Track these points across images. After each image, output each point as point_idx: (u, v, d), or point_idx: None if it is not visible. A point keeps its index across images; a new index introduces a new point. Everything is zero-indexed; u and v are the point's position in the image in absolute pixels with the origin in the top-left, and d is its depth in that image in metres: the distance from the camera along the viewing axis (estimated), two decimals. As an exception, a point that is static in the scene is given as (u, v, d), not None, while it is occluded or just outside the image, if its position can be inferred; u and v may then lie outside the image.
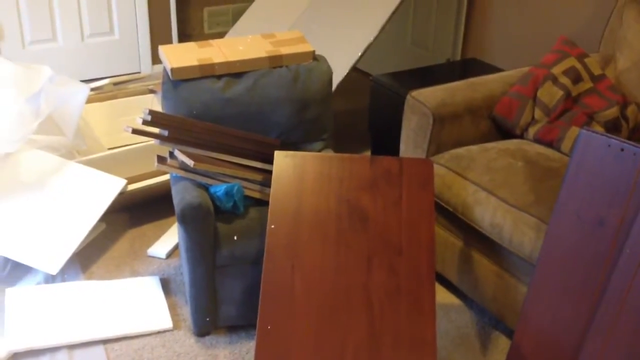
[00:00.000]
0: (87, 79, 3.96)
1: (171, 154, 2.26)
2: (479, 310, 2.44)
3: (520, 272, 2.16)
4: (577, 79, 2.53)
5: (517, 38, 3.56)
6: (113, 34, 4.24)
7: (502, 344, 2.29)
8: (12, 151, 2.58)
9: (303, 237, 1.93)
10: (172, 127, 2.21)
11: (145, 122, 2.20)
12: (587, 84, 2.53)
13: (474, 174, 2.30)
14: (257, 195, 2.26)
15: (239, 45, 2.44)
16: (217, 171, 2.19)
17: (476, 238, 2.30)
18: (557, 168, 2.28)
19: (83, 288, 2.42)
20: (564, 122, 2.47)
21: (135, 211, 2.94)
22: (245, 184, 2.23)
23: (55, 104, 2.76)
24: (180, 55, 2.36)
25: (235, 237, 2.14)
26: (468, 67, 3.56)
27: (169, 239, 2.77)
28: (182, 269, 2.57)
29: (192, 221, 2.07)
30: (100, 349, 2.20)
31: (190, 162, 2.13)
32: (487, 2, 3.69)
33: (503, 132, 2.61)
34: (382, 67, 4.25)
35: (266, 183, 2.25)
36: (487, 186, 2.24)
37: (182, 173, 2.20)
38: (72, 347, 2.20)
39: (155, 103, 3.35)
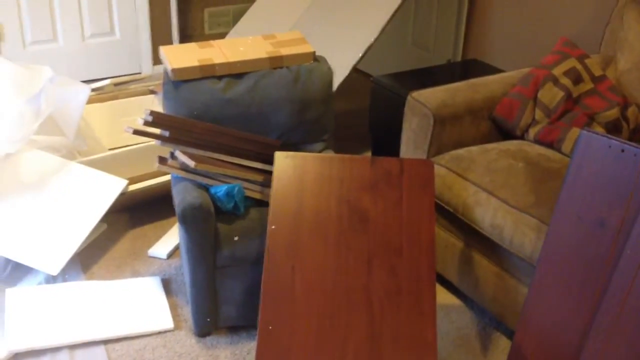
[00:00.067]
0: (87, 79, 3.96)
1: (172, 155, 2.26)
2: (479, 311, 2.44)
3: (520, 272, 2.16)
4: (577, 79, 2.53)
5: (517, 39, 3.56)
6: (114, 35, 4.24)
7: (502, 344, 2.29)
8: (13, 152, 2.58)
9: (303, 238, 1.93)
10: (172, 127, 2.21)
11: (146, 123, 2.20)
12: (587, 85, 2.54)
13: (474, 175, 2.30)
14: (257, 195, 2.26)
15: (239, 46, 2.44)
16: (217, 172, 2.20)
17: (476, 239, 2.30)
18: (558, 169, 2.28)
19: (84, 288, 2.42)
20: (564, 123, 2.47)
21: (136, 212, 2.95)
22: (245, 184, 2.23)
23: (55, 105, 2.77)
24: (181, 55, 2.36)
25: (235, 238, 2.14)
26: (469, 68, 3.56)
27: (169, 239, 2.77)
28: (182, 269, 2.57)
29: (193, 222, 2.07)
30: (101, 349, 2.20)
31: (191, 163, 2.13)
32: (487, 3, 3.69)
33: (503, 133, 2.61)
34: (383, 67, 4.25)
35: (267, 184, 2.25)
36: (487, 187, 2.24)
37: (182, 174, 2.21)
38: (73, 347, 2.20)
39: (156, 104, 3.35)
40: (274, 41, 2.49)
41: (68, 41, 4.11)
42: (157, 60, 4.38)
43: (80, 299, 2.36)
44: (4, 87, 2.73)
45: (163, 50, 2.40)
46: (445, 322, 2.38)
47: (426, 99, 2.46)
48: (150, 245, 2.73)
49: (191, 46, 2.43)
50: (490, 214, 2.18)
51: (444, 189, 2.35)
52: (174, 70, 2.31)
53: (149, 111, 2.22)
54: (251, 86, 2.38)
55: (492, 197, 2.20)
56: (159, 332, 2.28)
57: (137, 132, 2.20)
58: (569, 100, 2.50)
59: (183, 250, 2.25)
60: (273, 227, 1.94)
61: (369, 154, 3.48)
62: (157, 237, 2.79)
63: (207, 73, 2.35)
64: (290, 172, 2.04)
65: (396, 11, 3.10)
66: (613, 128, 2.45)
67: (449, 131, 2.49)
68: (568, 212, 1.80)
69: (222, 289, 2.20)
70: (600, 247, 1.75)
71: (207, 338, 2.28)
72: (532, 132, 2.52)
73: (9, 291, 2.36)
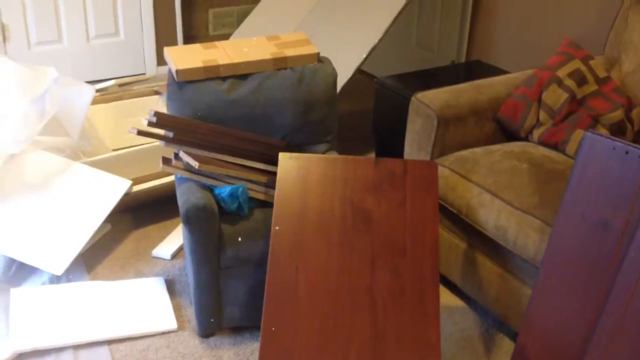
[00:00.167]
0: (92, 80, 3.97)
1: (176, 156, 2.27)
2: (482, 312, 2.44)
3: (524, 274, 2.16)
4: (582, 81, 2.52)
5: (521, 40, 3.55)
6: (118, 35, 4.26)
7: (506, 346, 2.29)
8: (18, 152, 2.59)
9: (307, 239, 1.94)
10: (177, 128, 2.22)
11: (150, 124, 2.21)
12: (592, 87, 2.53)
13: (478, 176, 2.30)
14: (261, 196, 2.26)
15: (243, 47, 2.45)
16: (221, 172, 2.20)
17: (480, 240, 2.30)
18: (562, 170, 2.28)
19: (88, 289, 2.43)
20: (568, 125, 2.46)
21: (140, 212, 2.95)
22: (249, 185, 2.23)
23: (60, 105, 2.77)
24: (186, 57, 2.37)
25: (239, 239, 2.14)
26: (473, 69, 3.56)
27: (173, 240, 2.77)
28: (186, 269, 2.57)
29: (197, 222, 2.07)
30: (105, 350, 2.20)
31: (195, 164, 2.14)
32: (492, 4, 3.69)
33: (507, 134, 2.61)
34: (387, 68, 4.25)
35: (270, 184, 2.26)
36: (491, 188, 2.24)
37: (186, 174, 2.21)
38: (77, 347, 2.20)
39: (160, 104, 3.35)
40: (278, 42, 2.49)
41: (73, 42, 4.13)
42: (161, 61, 4.39)
43: (84, 299, 2.37)
44: (8, 88, 2.74)
45: (167, 51, 2.40)
46: (449, 323, 2.38)
47: (430, 100, 2.46)
48: (154, 246, 2.74)
49: (195, 47, 2.43)
50: (494, 215, 2.18)
51: (448, 190, 2.35)
52: (178, 71, 2.31)
53: (153, 112, 2.22)
54: (255, 87, 2.38)
55: (496, 198, 2.20)
56: (163, 333, 2.29)
57: (141, 133, 2.20)
58: (573, 102, 2.50)
59: (187, 250, 2.26)
60: (277, 227, 1.95)
61: (372, 155, 3.48)
62: (161, 238, 2.79)
63: (212, 74, 2.35)
64: (294, 173, 2.04)
65: (400, 12, 3.10)
66: (617, 130, 2.45)
67: (453, 132, 2.48)
68: (572, 214, 1.80)
69: (225, 289, 2.20)
70: (604, 248, 1.75)
71: (211, 339, 2.28)
72: (536, 134, 2.52)
73: (14, 291, 2.36)
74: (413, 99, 2.50)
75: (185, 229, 2.15)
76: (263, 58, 2.40)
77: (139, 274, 2.58)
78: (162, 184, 2.80)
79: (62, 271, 2.39)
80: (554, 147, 2.46)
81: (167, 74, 2.43)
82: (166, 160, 2.24)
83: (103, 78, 4.11)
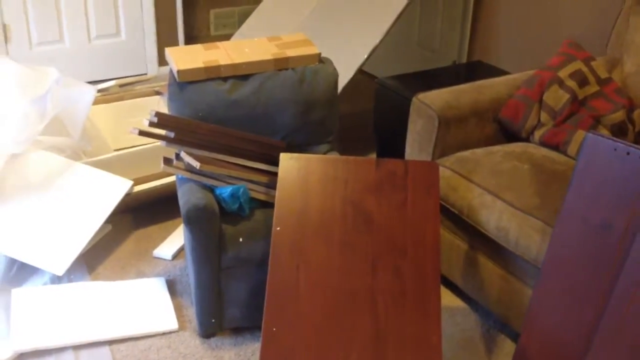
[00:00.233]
0: (93, 80, 3.97)
1: (177, 156, 2.27)
2: (484, 313, 2.44)
3: (525, 275, 2.16)
4: (583, 82, 2.52)
5: (523, 41, 3.55)
6: (119, 36, 4.26)
7: (507, 347, 2.29)
8: (19, 152, 2.59)
9: (308, 239, 1.94)
10: (178, 128, 2.22)
11: (151, 124, 2.21)
12: (593, 87, 2.53)
13: (479, 177, 2.30)
14: (262, 197, 2.26)
15: (245, 47, 2.45)
16: (222, 173, 2.20)
17: (481, 241, 2.30)
18: (563, 171, 2.28)
19: (89, 289, 2.43)
20: (570, 126, 2.46)
21: (141, 212, 2.95)
22: (250, 185, 2.23)
23: (61, 106, 2.78)
24: (187, 57, 2.37)
25: (240, 239, 2.14)
26: (474, 70, 3.56)
27: (174, 240, 2.77)
28: (187, 270, 2.57)
29: (198, 222, 2.07)
30: (106, 350, 2.20)
31: (196, 164, 2.14)
32: (493, 4, 3.69)
33: (508, 135, 2.61)
34: (388, 69, 4.25)
35: (271, 185, 2.26)
36: (492, 189, 2.24)
37: (188, 175, 2.21)
38: (78, 347, 2.21)
39: (161, 105, 3.36)
40: (279, 43, 2.49)
41: (74, 42, 4.13)
42: (162, 61, 4.39)
43: (85, 299, 2.37)
44: (10, 88, 2.74)
45: (169, 51, 2.41)
46: (450, 324, 2.38)
47: (431, 101, 2.46)
48: (155, 246, 2.74)
49: (197, 48, 2.44)
50: (495, 216, 2.18)
51: (449, 190, 2.35)
52: (179, 71, 2.31)
53: (154, 112, 2.22)
54: (256, 87, 2.38)
55: (497, 199, 2.20)
56: (164, 333, 2.29)
57: (142, 133, 2.21)
58: (575, 103, 2.50)
59: (188, 251, 2.26)
60: (278, 228, 1.95)
61: (373, 155, 3.48)
62: (162, 238, 2.79)
63: (213, 74, 2.35)
64: (295, 173, 2.04)
65: (402, 13, 3.10)
66: (618, 131, 2.45)
67: (454, 133, 2.48)
68: (573, 215, 1.80)
69: (226, 290, 2.21)
70: (606, 249, 1.75)
71: (212, 339, 2.28)
72: (537, 134, 2.52)
73: (15, 291, 2.37)
74: (414, 99, 2.50)
75: (186, 229, 2.15)
76: (264, 58, 2.40)
77: (140, 275, 2.58)
78: (163, 185, 2.80)
79: (63, 271, 2.39)
80: (555, 147, 2.46)
81: (168, 74, 2.43)
82: (167, 161, 2.25)
83: (104, 78, 4.11)
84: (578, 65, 2.54)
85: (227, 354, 2.22)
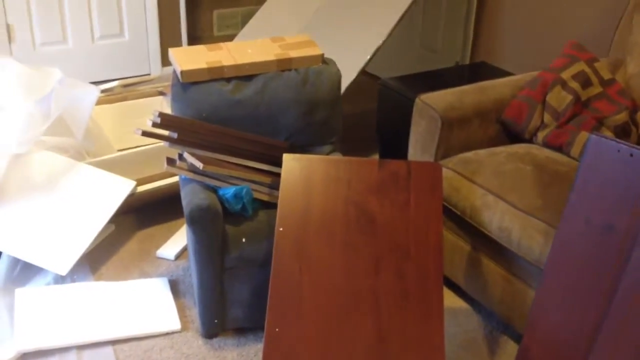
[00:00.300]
0: (96, 80, 3.98)
1: (180, 156, 2.27)
2: (486, 314, 2.44)
3: (528, 276, 2.16)
4: (586, 83, 2.52)
5: (526, 41, 3.55)
6: (123, 36, 4.26)
7: (510, 348, 2.29)
8: (22, 152, 2.60)
9: (311, 240, 1.94)
10: (181, 129, 2.22)
11: (154, 124, 2.21)
12: (596, 89, 2.53)
13: (482, 178, 2.30)
14: (265, 197, 2.26)
15: (248, 48, 2.45)
16: (225, 173, 2.20)
17: (484, 242, 2.30)
18: (566, 172, 2.28)
19: (92, 289, 2.43)
20: (573, 127, 2.46)
21: (144, 213, 2.96)
22: (253, 186, 2.23)
23: (64, 106, 2.78)
24: (190, 58, 2.37)
25: (243, 240, 2.14)
26: (477, 71, 3.56)
27: (177, 240, 2.78)
28: (190, 270, 2.58)
29: (201, 223, 2.08)
30: (109, 350, 2.21)
31: (199, 164, 2.14)
32: (496, 5, 3.69)
33: (511, 136, 2.61)
34: (391, 69, 4.25)
35: (274, 185, 2.26)
36: (495, 190, 2.24)
37: (191, 175, 2.21)
38: (81, 347, 2.21)
39: (164, 105, 3.36)
40: (282, 43, 2.50)
41: (77, 43, 4.14)
42: (165, 61, 4.40)
43: (89, 299, 2.37)
44: (13, 89, 2.74)
45: (172, 52, 2.41)
46: (453, 325, 2.38)
47: (434, 102, 2.46)
48: (158, 247, 2.74)
49: (200, 48, 2.44)
50: (498, 217, 2.18)
51: (452, 191, 2.35)
52: (183, 72, 2.31)
53: (157, 113, 2.23)
54: (259, 88, 2.38)
55: (500, 200, 2.20)
56: (167, 333, 2.29)
57: (145, 134, 2.21)
58: (578, 104, 2.50)
59: (191, 251, 2.26)
60: (281, 229, 1.95)
61: (376, 156, 3.48)
62: (165, 239, 2.80)
63: (216, 75, 2.36)
64: (297, 174, 2.04)
65: (405, 13, 3.10)
66: (622, 132, 2.44)
67: (457, 134, 2.48)
68: (576, 216, 1.80)
69: (229, 290, 2.21)
70: (608, 251, 1.75)
71: (214, 339, 2.28)
72: (540, 136, 2.51)
73: (18, 291, 2.37)
74: (417, 100, 2.50)
75: (189, 230, 2.15)
76: (267, 59, 2.40)
77: (143, 275, 2.58)
78: (166, 185, 2.80)
79: (67, 271, 2.39)
80: (559, 149, 2.46)
81: (171, 75, 2.44)
82: (170, 161, 2.25)
83: (108, 79, 4.12)
84: (581, 66, 2.54)
85: (229, 354, 2.22)
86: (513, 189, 2.21)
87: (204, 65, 2.34)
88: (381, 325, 1.82)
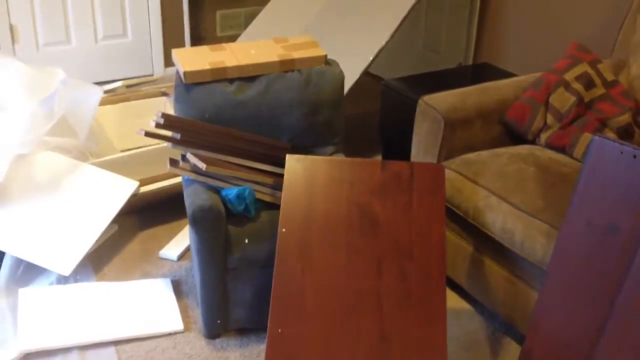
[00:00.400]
0: (100, 81, 3.99)
1: (183, 157, 2.27)
2: (489, 315, 2.44)
3: (531, 277, 2.15)
4: (589, 84, 2.52)
5: (529, 43, 3.55)
6: (126, 37, 4.27)
7: (512, 349, 2.29)
8: (25, 153, 2.60)
9: (314, 241, 1.94)
10: (184, 130, 2.23)
11: (157, 125, 2.21)
12: (599, 90, 2.53)
13: (485, 179, 2.30)
14: (268, 198, 2.26)
15: (251, 49, 2.45)
16: (228, 174, 2.20)
17: (487, 243, 2.30)
18: (569, 174, 2.27)
19: (95, 289, 2.44)
20: (576, 128, 2.46)
21: (147, 213, 2.96)
22: (256, 187, 2.23)
23: (68, 106, 2.78)
24: (193, 58, 2.37)
25: (246, 240, 2.14)
26: (480, 72, 3.56)
27: (180, 241, 2.78)
28: (193, 271, 2.58)
29: (203, 223, 2.08)
30: (111, 350, 2.21)
31: (202, 165, 2.14)
32: (499, 6, 3.69)
33: (514, 137, 2.61)
34: (394, 70, 4.25)
35: (277, 186, 2.26)
36: (498, 191, 2.23)
37: (193, 176, 2.22)
38: (83, 348, 2.21)
39: (167, 106, 3.36)
40: (285, 44, 2.50)
41: (81, 43, 4.14)
42: (168, 62, 4.41)
43: (91, 299, 2.38)
44: (16, 89, 2.75)
45: (175, 53, 2.41)
46: (455, 326, 2.38)
47: (437, 103, 2.46)
48: (160, 247, 2.74)
49: (203, 49, 2.44)
50: (500, 218, 2.18)
51: (455, 192, 2.35)
52: (186, 73, 2.32)
53: (160, 113, 2.23)
54: (262, 89, 2.38)
55: (502, 201, 2.20)
56: (169, 334, 2.29)
57: (148, 134, 2.21)
58: (581, 105, 2.49)
59: (194, 252, 2.26)
60: (283, 229, 1.95)
61: (379, 157, 3.48)
62: (168, 239, 2.80)
63: (219, 76, 2.36)
64: (300, 175, 2.05)
65: (407, 14, 3.10)
66: (625, 133, 2.44)
67: (460, 135, 2.48)
68: (579, 217, 1.80)
69: (232, 291, 2.21)
70: (611, 252, 1.74)
71: (217, 340, 2.28)
72: (543, 137, 2.51)
73: (22, 291, 2.37)
74: (420, 101, 2.50)
75: (192, 230, 2.15)
76: (270, 60, 2.40)
77: (146, 275, 2.59)
78: (169, 185, 2.80)
79: (70, 272, 2.39)
80: (562, 150, 2.46)
81: (174, 75, 2.44)
82: (173, 162, 2.25)
83: (111, 79, 4.13)
84: (584, 67, 2.54)
85: (232, 355, 2.22)
86: (516, 190, 2.21)
87: (207, 66, 2.34)
88: (384, 326, 1.82)
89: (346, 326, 1.82)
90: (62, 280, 2.49)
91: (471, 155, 2.45)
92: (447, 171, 2.40)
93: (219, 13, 4.49)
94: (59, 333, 2.22)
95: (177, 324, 2.32)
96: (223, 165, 2.21)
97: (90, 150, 2.89)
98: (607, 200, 1.74)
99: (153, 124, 2.22)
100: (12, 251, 2.41)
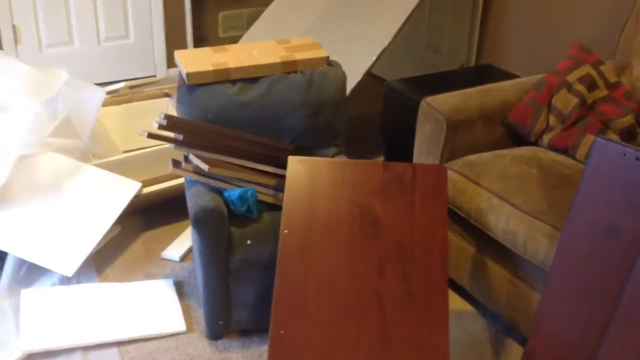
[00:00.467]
0: (102, 82, 4.00)
1: (186, 158, 2.28)
2: (491, 317, 2.44)
3: (533, 279, 2.15)
4: (592, 86, 2.52)
5: (532, 44, 3.55)
6: (129, 38, 4.28)
7: (515, 351, 2.28)
8: (28, 154, 2.61)
9: (316, 242, 1.94)
10: (186, 131, 2.23)
11: (160, 126, 2.22)
12: (602, 92, 2.53)
13: (487, 181, 2.30)
14: (270, 199, 2.26)
15: (253, 50, 2.46)
16: (231, 175, 2.21)
17: (489, 244, 2.29)
18: (572, 175, 2.27)
19: (97, 290, 2.44)
20: (578, 130, 2.46)
21: (149, 214, 2.96)
22: (258, 188, 2.24)
23: (70, 107, 2.79)
24: (196, 60, 2.38)
25: (248, 241, 2.15)
26: (482, 73, 3.56)
27: (183, 242, 2.78)
28: (195, 272, 2.58)
29: (206, 225, 2.08)
30: (114, 351, 2.21)
31: (204, 166, 2.15)
32: (502, 7, 3.69)
33: (516, 139, 2.60)
34: (396, 71, 4.25)
35: (279, 188, 2.26)
36: (500, 193, 2.23)
37: (196, 177, 2.22)
38: (86, 348, 2.22)
39: (170, 107, 3.37)
40: (287, 46, 2.50)
41: (84, 44, 4.15)
42: (171, 63, 4.41)
43: (94, 300, 2.38)
44: (19, 90, 2.76)
45: (178, 54, 2.42)
46: (457, 328, 2.38)
47: (439, 104, 2.46)
48: (163, 248, 2.75)
49: (206, 50, 2.45)
50: (503, 219, 2.18)
51: (457, 194, 2.35)
52: (188, 74, 2.32)
53: (163, 114, 2.23)
54: (265, 90, 2.39)
55: (505, 203, 2.20)
56: (172, 335, 2.29)
57: (151, 136, 2.21)
58: (583, 107, 2.49)
59: (196, 253, 2.26)
60: (285, 231, 1.95)
61: (381, 158, 3.48)
62: (171, 240, 2.80)
63: (222, 77, 2.36)
64: (302, 176, 2.05)
65: (410, 16, 3.10)
66: (627, 135, 2.44)
67: (462, 136, 2.48)
68: (582, 219, 1.79)
69: (234, 292, 2.21)
70: (614, 254, 1.74)
71: (219, 341, 2.28)
72: (546, 138, 2.51)
73: (24, 292, 2.38)
74: (422, 103, 2.50)
75: (194, 231, 2.16)
76: (272, 61, 2.41)
77: (149, 276, 2.59)
78: (171, 186, 2.81)
79: (72, 272, 2.40)
80: (564, 151, 2.46)
81: (177, 76, 2.44)
82: (176, 163, 2.25)
83: (113, 80, 4.13)
84: (587, 69, 2.54)
85: (234, 356, 2.22)
86: (518, 192, 2.21)
87: (209, 67, 2.34)
88: (386, 328, 1.82)
89: (348, 327, 1.82)
90: (65, 281, 2.49)
91: (473, 157, 2.45)
92: (449, 172, 2.40)
93: (221, 14, 4.50)
94: (62, 334, 2.22)
95: (180, 325, 2.32)
96: (225, 166, 2.21)
97: (93, 151, 2.90)
98: (610, 202, 1.74)
99: (156, 125, 2.22)
100: (15, 252, 2.41)
